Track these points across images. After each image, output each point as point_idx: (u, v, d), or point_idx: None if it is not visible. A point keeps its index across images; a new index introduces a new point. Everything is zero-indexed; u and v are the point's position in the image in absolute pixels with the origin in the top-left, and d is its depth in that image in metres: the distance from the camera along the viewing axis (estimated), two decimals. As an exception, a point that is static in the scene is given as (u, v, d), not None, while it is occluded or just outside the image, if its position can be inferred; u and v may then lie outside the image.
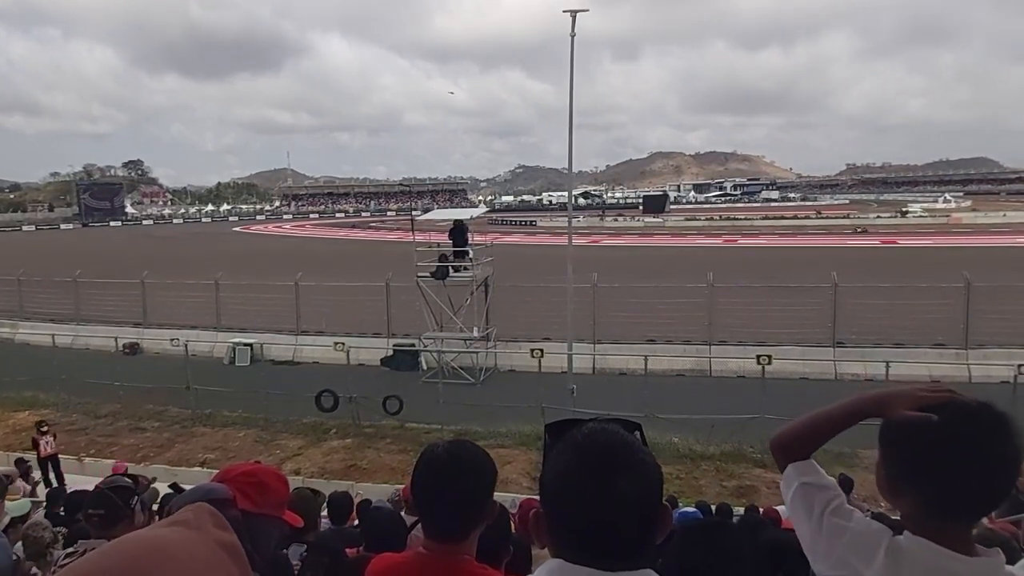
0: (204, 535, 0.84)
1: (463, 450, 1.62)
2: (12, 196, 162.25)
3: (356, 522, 5.20)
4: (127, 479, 3.29)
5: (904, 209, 74.28)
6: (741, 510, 7.42)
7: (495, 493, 1.66)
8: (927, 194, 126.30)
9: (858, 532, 1.26)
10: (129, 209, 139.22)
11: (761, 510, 6.86)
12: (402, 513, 4.38)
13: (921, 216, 67.51)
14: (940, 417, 1.18)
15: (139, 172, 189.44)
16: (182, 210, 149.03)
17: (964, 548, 1.18)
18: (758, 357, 14.15)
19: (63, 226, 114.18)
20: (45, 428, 11.75)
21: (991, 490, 1.19)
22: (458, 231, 18.12)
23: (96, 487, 3.12)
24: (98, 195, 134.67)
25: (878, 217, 67.45)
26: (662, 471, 1.07)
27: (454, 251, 17.99)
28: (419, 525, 2.00)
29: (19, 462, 9.84)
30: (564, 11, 13.76)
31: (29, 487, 8.35)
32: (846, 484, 7.58)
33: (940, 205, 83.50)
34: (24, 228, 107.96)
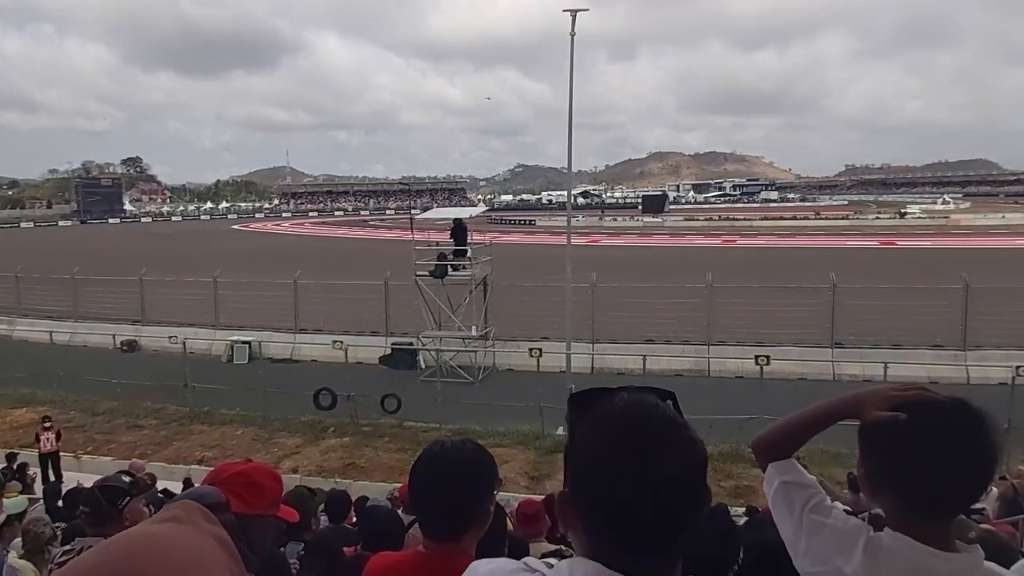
0: (198, 529, 0.85)
1: (462, 449, 1.61)
2: (11, 193, 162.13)
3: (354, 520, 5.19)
4: (124, 479, 3.28)
5: (903, 210, 74.41)
6: (740, 510, 7.41)
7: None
8: (926, 195, 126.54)
9: (837, 528, 1.28)
10: (128, 206, 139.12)
11: (760, 509, 6.87)
12: (399, 512, 4.38)
13: (920, 217, 67.60)
14: (913, 415, 1.19)
15: (138, 169, 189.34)
16: (180, 208, 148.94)
17: (943, 544, 1.20)
18: (756, 357, 14.17)
19: (61, 223, 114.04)
20: (49, 424, 11.73)
21: (965, 487, 1.20)
22: (459, 230, 18.12)
23: (92, 487, 3.12)
24: (96, 192, 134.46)
25: (877, 218, 67.54)
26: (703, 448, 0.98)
27: (454, 250, 17.99)
28: (416, 524, 1.99)
29: (10, 457, 9.82)
30: (564, 10, 13.75)
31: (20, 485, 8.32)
32: (856, 484, 7.59)
33: (939, 206, 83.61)
34: (22, 225, 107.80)
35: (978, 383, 14.19)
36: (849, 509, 1.39)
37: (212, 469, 1.85)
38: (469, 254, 17.88)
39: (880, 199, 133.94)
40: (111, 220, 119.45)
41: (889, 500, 1.25)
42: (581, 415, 0.99)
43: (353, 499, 5.88)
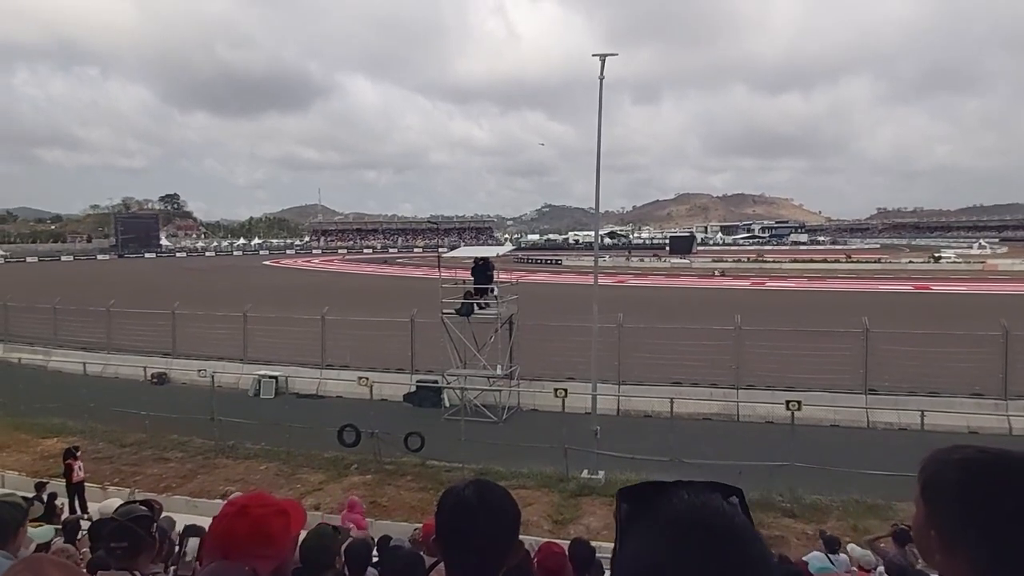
0: None
1: (490, 491, 1.59)
2: (53, 227, 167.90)
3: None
4: (142, 507, 3.28)
5: (937, 255, 73.07)
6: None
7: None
8: (960, 240, 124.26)
9: None
10: (164, 241, 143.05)
11: (792, 561, 6.62)
12: (421, 553, 4.30)
13: (955, 262, 66.27)
14: (1001, 473, 1.14)
15: (175, 206, 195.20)
16: (214, 243, 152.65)
17: None
18: (787, 403, 13.82)
19: (100, 256, 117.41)
20: (78, 453, 11.90)
21: None
22: (478, 270, 18.18)
23: (113, 518, 3.11)
24: (134, 227, 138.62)
25: (910, 262, 66.40)
26: (776, 567, 0.88)
27: (475, 288, 18.05)
28: (439, 566, 1.96)
29: (39, 486, 9.92)
30: (594, 55, 13.97)
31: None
32: (903, 536, 7.31)
33: (975, 251, 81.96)
34: (63, 258, 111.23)
35: (1021, 434, 13.68)
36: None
37: (219, 532, 1.75)
38: (495, 292, 17.91)
39: (913, 243, 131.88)
40: (147, 254, 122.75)
41: (964, 561, 1.17)
42: (634, 515, 0.89)
43: (376, 538, 5.81)
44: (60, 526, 7.38)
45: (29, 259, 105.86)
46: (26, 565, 0.85)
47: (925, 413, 13.19)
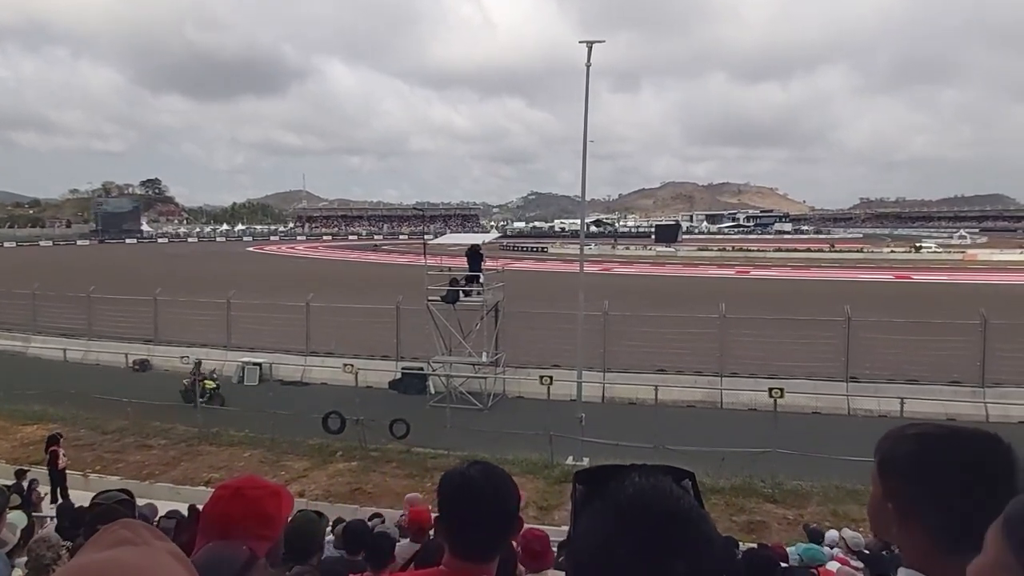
0: (153, 549, 0.83)
1: (493, 470, 1.64)
2: (31, 211, 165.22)
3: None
4: (121, 492, 3.25)
5: (918, 244, 73.97)
6: (754, 546, 7.27)
7: None
8: (942, 230, 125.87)
9: None
10: (145, 227, 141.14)
11: (771, 546, 6.71)
12: (397, 537, 4.29)
13: (936, 252, 67.14)
14: (965, 448, 1.17)
15: (156, 191, 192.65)
16: (197, 229, 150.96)
17: None
18: (770, 390, 14.01)
19: (80, 242, 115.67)
20: (63, 438, 11.80)
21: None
22: (474, 254, 18.15)
23: (96, 503, 3.08)
24: (115, 212, 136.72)
25: (892, 251, 67.18)
26: (729, 546, 0.90)
27: (467, 276, 18.01)
28: (420, 554, 1.96)
29: (19, 473, 9.82)
30: (581, 41, 13.90)
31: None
32: None
33: (956, 241, 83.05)
34: (42, 243, 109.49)
35: (997, 421, 13.93)
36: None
37: (215, 514, 1.72)
38: (481, 279, 17.89)
39: (895, 233, 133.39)
40: (128, 240, 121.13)
41: (919, 538, 1.20)
42: (588, 496, 0.92)
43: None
44: (36, 514, 7.31)
45: (7, 244, 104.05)
46: (123, 524, 0.89)
47: (904, 400, 13.42)
